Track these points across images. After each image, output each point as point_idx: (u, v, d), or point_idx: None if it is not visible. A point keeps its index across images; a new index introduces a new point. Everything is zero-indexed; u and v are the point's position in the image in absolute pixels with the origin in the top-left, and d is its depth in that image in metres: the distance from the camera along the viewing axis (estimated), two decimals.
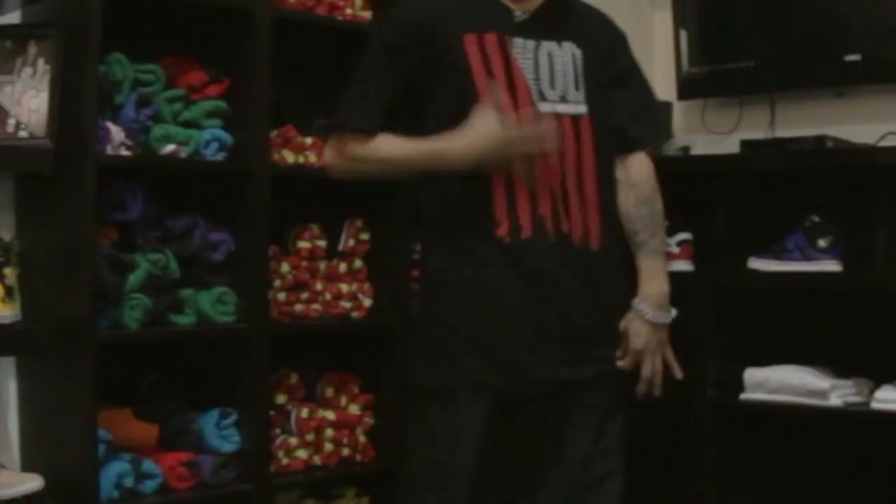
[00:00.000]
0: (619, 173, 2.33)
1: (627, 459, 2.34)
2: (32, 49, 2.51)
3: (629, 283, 2.36)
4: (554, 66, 2.22)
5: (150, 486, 2.56)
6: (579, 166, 2.20)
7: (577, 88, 2.21)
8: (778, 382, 3.14)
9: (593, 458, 2.25)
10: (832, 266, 3.08)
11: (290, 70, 2.93)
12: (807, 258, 3.13)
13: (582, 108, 2.20)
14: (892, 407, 2.93)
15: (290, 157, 2.94)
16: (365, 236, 3.14)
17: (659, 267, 2.33)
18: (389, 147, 2.18)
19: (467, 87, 2.15)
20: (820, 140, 3.21)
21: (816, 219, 3.14)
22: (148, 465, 2.56)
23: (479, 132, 2.03)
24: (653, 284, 2.28)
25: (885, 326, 3.18)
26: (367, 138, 2.19)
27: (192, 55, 2.80)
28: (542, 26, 2.22)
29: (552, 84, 2.21)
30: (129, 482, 2.52)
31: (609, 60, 2.32)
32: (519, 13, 2.22)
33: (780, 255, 3.20)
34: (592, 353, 2.24)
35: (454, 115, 2.12)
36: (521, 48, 2.19)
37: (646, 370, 2.26)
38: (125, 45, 2.62)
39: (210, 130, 2.73)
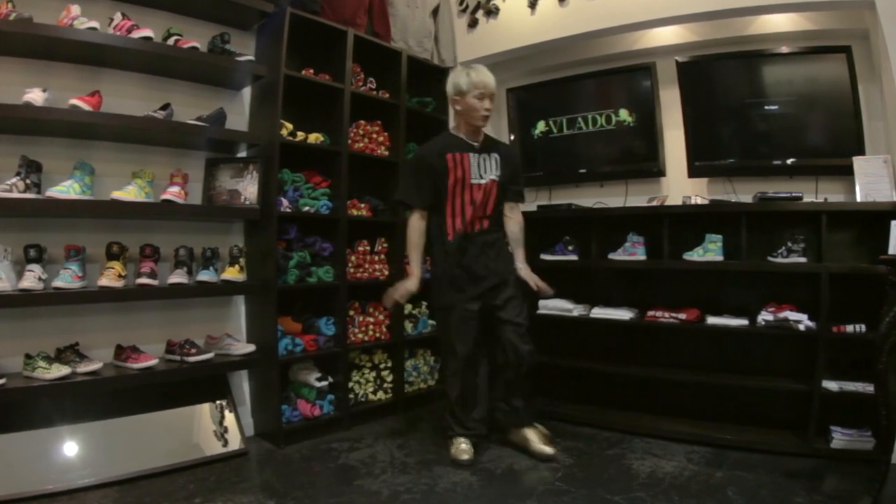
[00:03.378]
0: (508, 211, 2.65)
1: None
2: (251, 166, 2.68)
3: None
4: (483, 164, 2.53)
5: (298, 349, 2.75)
6: (490, 202, 2.52)
7: (496, 171, 2.54)
8: (552, 305, 3.17)
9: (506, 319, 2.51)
10: (573, 257, 3.20)
11: (354, 175, 3.00)
12: (564, 254, 3.21)
13: (496, 178, 2.53)
14: (599, 315, 3.05)
15: (354, 212, 3.06)
16: (386, 245, 3.25)
17: (521, 252, 2.65)
18: (411, 230, 2.55)
19: (446, 173, 2.49)
20: (569, 205, 3.36)
21: (567, 238, 3.23)
22: (297, 340, 2.76)
23: (400, 289, 2.54)
24: (522, 259, 2.65)
25: (594, 279, 3.27)
26: (416, 210, 2.55)
27: (315, 169, 2.96)
28: (482, 150, 2.55)
29: (483, 171, 2.52)
30: (289, 348, 2.72)
31: (513, 166, 2.62)
32: (474, 145, 2.55)
33: (553, 252, 3.25)
34: (491, 289, 2.52)
35: (444, 188, 2.50)
36: (473, 158, 2.52)
37: (540, 285, 2.61)
38: (288, 166, 2.83)
39: (323, 201, 2.91)
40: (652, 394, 3.06)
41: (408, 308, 3.39)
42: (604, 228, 3.16)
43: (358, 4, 3.14)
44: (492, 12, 3.50)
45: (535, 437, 2.55)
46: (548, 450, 2.50)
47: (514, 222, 2.67)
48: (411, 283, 2.55)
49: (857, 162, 2.63)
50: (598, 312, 3.08)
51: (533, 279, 2.61)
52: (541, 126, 3.67)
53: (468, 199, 2.50)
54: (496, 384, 2.62)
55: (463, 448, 2.52)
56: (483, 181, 2.52)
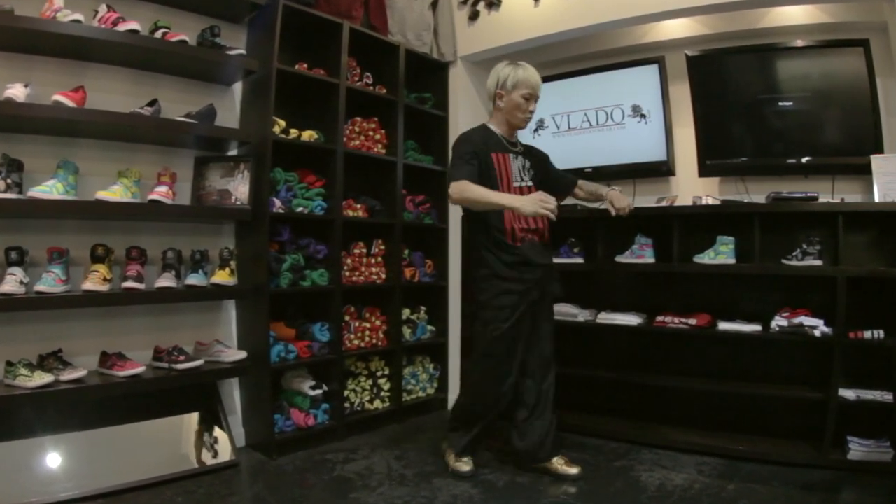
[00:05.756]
0: (577, 191, 2.79)
1: None
2: (242, 165, 2.68)
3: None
4: (521, 167, 2.51)
5: (291, 356, 2.76)
6: None
7: (527, 176, 2.52)
8: (557, 310, 2.90)
9: (546, 329, 2.54)
10: (579, 260, 3.19)
11: (350, 174, 3.02)
12: (569, 257, 3.20)
13: (530, 183, 2.51)
14: (605, 321, 3.05)
15: (350, 212, 3.09)
16: (383, 247, 3.28)
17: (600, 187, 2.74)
18: (476, 190, 2.30)
19: (493, 173, 2.42)
20: (574, 206, 3.24)
21: (573, 240, 3.22)
22: (291, 347, 2.77)
23: (526, 200, 2.25)
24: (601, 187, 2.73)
25: (600, 283, 3.28)
26: (468, 183, 2.30)
27: (309, 168, 2.98)
28: (520, 153, 2.53)
29: (522, 175, 2.50)
30: (282, 354, 2.73)
31: (544, 167, 2.65)
32: (515, 146, 2.54)
33: (558, 255, 3.16)
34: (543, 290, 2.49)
35: (488, 183, 2.38)
36: (513, 159, 2.49)
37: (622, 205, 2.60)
38: (281, 164, 2.84)
39: (317, 201, 2.92)
40: (661, 403, 3.06)
41: (406, 313, 3.40)
42: (610, 230, 3.15)
43: None
44: (494, 4, 3.49)
45: (557, 461, 2.50)
46: (573, 470, 2.46)
47: (581, 190, 2.80)
48: (525, 199, 2.29)
49: (876, 160, 2.64)
50: (605, 318, 3.08)
51: (623, 200, 2.64)
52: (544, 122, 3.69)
53: None
54: (517, 416, 2.54)
55: (463, 459, 2.52)
56: (523, 185, 2.50)
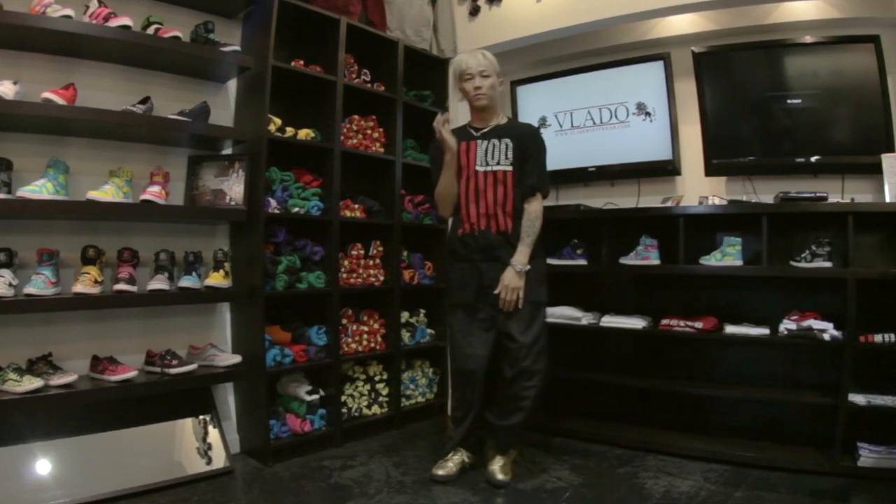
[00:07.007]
0: (525, 205, 2.47)
1: None
2: (236, 164, 2.68)
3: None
4: (492, 150, 2.50)
5: (287, 360, 2.75)
6: (504, 194, 2.46)
7: (505, 158, 2.48)
8: (560, 313, 3.15)
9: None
10: (582, 261, 3.21)
11: (347, 173, 3.03)
12: (572, 258, 3.22)
13: (508, 168, 2.47)
14: (609, 324, 3.06)
15: (347, 213, 3.07)
16: (381, 248, 3.27)
17: (523, 250, 2.41)
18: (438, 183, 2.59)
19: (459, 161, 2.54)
20: (577, 206, 3.36)
21: (576, 241, 3.24)
22: (286, 351, 2.76)
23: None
24: (518, 256, 2.41)
25: (604, 286, 3.29)
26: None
27: (306, 168, 2.97)
28: (490, 135, 2.52)
29: (490, 158, 2.49)
30: (278, 359, 2.72)
31: (526, 147, 2.48)
32: (480, 130, 2.55)
33: (560, 256, 3.24)
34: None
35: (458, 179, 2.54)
36: (479, 144, 2.52)
37: (503, 295, 2.39)
38: (277, 164, 2.84)
39: (314, 201, 2.91)
40: (666, 408, 3.06)
41: (405, 316, 3.40)
42: (615, 231, 3.17)
43: None
44: None
45: (497, 458, 2.52)
46: (499, 476, 2.46)
47: (524, 215, 2.48)
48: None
49: (886, 159, 2.64)
50: (609, 321, 3.08)
51: (508, 285, 2.41)
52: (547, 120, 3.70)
53: (472, 188, 2.50)
54: (494, 396, 2.56)
55: (439, 463, 2.55)
56: (489, 169, 2.49)
